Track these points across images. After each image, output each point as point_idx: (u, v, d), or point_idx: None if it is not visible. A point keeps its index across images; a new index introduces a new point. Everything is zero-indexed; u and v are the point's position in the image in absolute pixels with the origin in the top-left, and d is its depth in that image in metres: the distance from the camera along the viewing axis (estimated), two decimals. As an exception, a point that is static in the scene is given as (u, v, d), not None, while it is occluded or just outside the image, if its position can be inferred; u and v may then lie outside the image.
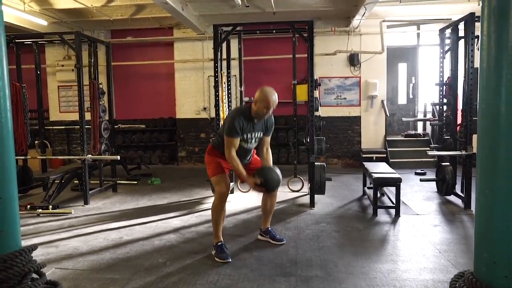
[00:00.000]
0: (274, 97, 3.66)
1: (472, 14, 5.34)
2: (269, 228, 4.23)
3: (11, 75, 1.86)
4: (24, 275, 1.78)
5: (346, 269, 3.48)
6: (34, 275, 1.85)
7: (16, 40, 6.74)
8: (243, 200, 6.05)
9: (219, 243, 3.79)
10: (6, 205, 1.76)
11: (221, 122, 5.79)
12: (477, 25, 5.23)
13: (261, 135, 3.92)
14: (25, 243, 1.85)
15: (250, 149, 3.93)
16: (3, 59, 1.77)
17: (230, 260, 3.66)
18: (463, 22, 5.60)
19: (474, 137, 5.37)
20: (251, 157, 4.05)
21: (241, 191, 6.50)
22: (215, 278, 3.31)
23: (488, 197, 1.80)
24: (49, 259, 3.78)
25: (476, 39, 5.50)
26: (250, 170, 3.91)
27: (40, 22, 8.31)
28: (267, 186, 3.75)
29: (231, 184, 4.82)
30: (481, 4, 1.82)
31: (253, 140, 3.86)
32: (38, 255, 3.73)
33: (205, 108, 10.00)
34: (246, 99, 8.40)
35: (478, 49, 5.44)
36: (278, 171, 3.82)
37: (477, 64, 5.41)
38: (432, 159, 8.82)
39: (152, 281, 3.28)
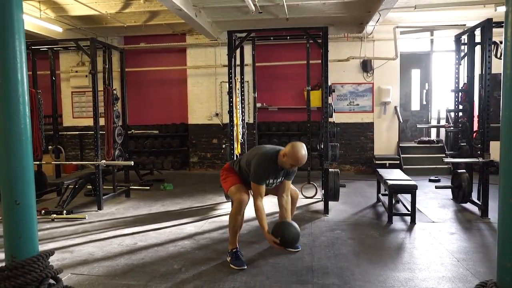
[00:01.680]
0: (304, 155, 3.61)
1: (489, 20, 5.28)
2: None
3: (28, 81, 1.87)
4: (42, 281, 1.77)
5: (363, 277, 3.44)
6: (51, 281, 1.85)
7: (33, 47, 6.85)
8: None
9: (235, 250, 3.77)
10: (24, 211, 1.76)
11: (235, 128, 5.78)
12: (495, 30, 5.19)
13: (282, 179, 3.91)
14: (40, 248, 1.85)
15: (269, 189, 3.97)
16: (23, 65, 1.78)
17: (246, 267, 3.64)
18: (479, 28, 5.53)
19: (491, 144, 5.33)
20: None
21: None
22: (231, 285, 3.29)
23: (511, 206, 1.75)
24: (65, 265, 3.80)
25: (493, 45, 5.44)
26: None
27: (55, 29, 8.43)
28: (285, 245, 3.60)
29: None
30: (503, 9, 1.78)
31: (274, 185, 3.91)
32: (53, 260, 3.73)
33: (217, 114, 10.02)
34: (259, 105, 8.41)
35: (495, 55, 5.39)
36: (295, 225, 3.68)
37: (494, 70, 5.37)
38: (445, 166, 8.73)
39: (167, 288, 3.27)
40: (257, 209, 3.67)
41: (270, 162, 3.72)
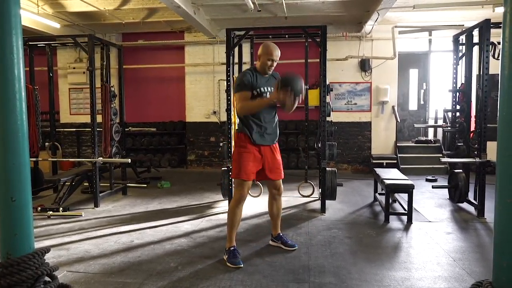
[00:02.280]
0: (277, 50, 3.73)
1: (487, 21, 5.29)
2: (281, 234, 4.21)
3: (25, 77, 1.86)
4: (37, 278, 1.77)
5: (360, 276, 3.44)
6: (47, 278, 1.84)
7: (30, 43, 6.82)
8: (254, 205, 6.02)
9: (232, 248, 3.77)
10: (20, 208, 1.75)
11: (233, 126, 5.78)
12: (493, 31, 5.20)
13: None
14: (36, 245, 1.84)
15: (270, 108, 3.85)
16: (20, 61, 1.77)
17: (242, 265, 3.64)
18: (477, 28, 5.54)
19: (488, 144, 5.35)
20: (275, 128, 3.97)
21: (252, 196, 6.47)
22: (227, 284, 3.28)
23: (508, 206, 1.75)
24: (61, 262, 3.78)
25: (491, 46, 5.45)
26: (273, 171, 3.90)
27: (53, 25, 8.39)
28: (294, 89, 3.55)
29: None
30: (501, 10, 1.78)
31: (268, 95, 3.81)
32: (49, 257, 3.74)
33: (215, 112, 10.01)
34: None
35: (493, 55, 5.40)
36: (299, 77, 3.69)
37: (491, 70, 5.39)
38: (442, 166, 8.75)
39: (164, 286, 3.26)
40: (243, 106, 3.66)
41: (249, 70, 3.81)
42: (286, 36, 7.22)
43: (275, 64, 3.79)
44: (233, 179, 3.89)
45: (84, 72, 10.05)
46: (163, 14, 8.68)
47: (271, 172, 3.91)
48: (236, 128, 4.10)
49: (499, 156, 1.79)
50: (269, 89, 3.83)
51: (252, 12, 7.56)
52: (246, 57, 7.39)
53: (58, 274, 3.09)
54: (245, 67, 7.27)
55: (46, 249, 1.86)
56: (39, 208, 5.66)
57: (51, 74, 7.22)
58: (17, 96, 1.73)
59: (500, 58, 1.79)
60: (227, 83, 5.77)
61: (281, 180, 4.02)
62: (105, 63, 6.64)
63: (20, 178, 1.75)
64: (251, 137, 3.76)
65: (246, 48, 7.30)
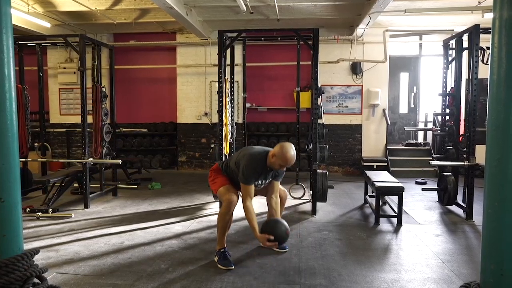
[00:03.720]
0: (293, 156, 3.65)
1: (477, 26, 5.36)
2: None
3: (15, 77, 1.85)
4: (26, 280, 1.75)
5: (350, 278, 3.46)
6: (36, 280, 1.83)
7: (20, 42, 6.76)
8: (244, 207, 6.02)
9: (223, 250, 3.77)
10: (9, 209, 1.74)
11: (224, 128, 5.78)
12: (482, 36, 5.27)
13: (271, 180, 3.93)
14: (25, 246, 1.83)
15: (258, 190, 3.97)
16: (10, 60, 1.76)
17: (233, 267, 3.64)
18: (467, 33, 5.61)
19: (477, 147, 5.41)
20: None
21: (242, 198, 6.47)
22: (218, 285, 3.28)
23: (497, 209, 1.79)
24: (50, 264, 3.75)
25: (480, 51, 5.52)
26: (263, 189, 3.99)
27: (43, 24, 8.31)
28: (278, 240, 3.64)
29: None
30: (490, 16, 1.81)
31: (262, 185, 3.92)
32: (38, 259, 3.70)
33: (206, 113, 9.99)
34: (248, 105, 8.41)
35: (482, 60, 5.47)
36: (284, 222, 3.75)
37: (480, 75, 5.45)
38: (432, 169, 8.82)
39: (154, 287, 3.25)
40: (247, 210, 3.68)
41: (259, 163, 3.72)
42: (278, 38, 7.24)
43: (284, 168, 3.79)
44: (217, 193, 3.90)
45: (74, 72, 9.98)
46: (155, 15, 8.65)
47: (261, 190, 4.01)
48: (220, 162, 4.18)
49: (487, 159, 1.82)
50: (266, 180, 3.89)
51: (244, 14, 7.57)
52: (238, 59, 7.40)
53: (48, 276, 3.07)
54: (237, 69, 7.31)
55: (35, 251, 1.84)
56: (28, 209, 5.60)
57: (41, 74, 7.16)
58: (7, 96, 1.72)
59: (489, 63, 1.82)
60: (219, 84, 5.77)
61: (275, 183, 3.98)
62: (96, 63, 6.60)
63: (9, 179, 1.74)
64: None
65: (238, 49, 7.32)
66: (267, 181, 3.90)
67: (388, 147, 9.59)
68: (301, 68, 6.77)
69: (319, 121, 5.85)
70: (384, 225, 5.16)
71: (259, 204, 5.88)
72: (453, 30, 8.68)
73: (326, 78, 9.55)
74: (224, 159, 4.42)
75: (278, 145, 3.69)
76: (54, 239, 4.54)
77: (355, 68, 9.57)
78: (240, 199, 3.84)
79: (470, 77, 5.42)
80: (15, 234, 1.78)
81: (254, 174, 3.71)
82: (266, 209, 4.17)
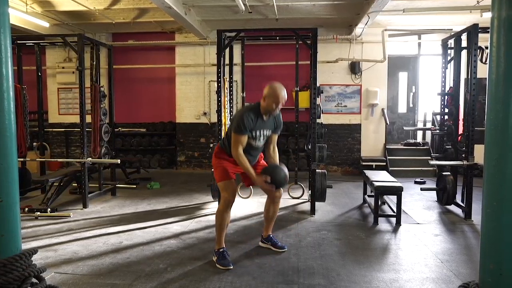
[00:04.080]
0: (284, 93, 3.64)
1: (475, 26, 5.36)
2: (271, 235, 4.21)
3: (13, 76, 1.85)
4: (24, 280, 1.75)
5: (349, 277, 3.46)
6: (34, 280, 1.82)
7: (18, 42, 6.75)
8: (244, 207, 6.02)
9: (221, 249, 3.77)
10: (7, 209, 1.74)
11: (223, 128, 5.78)
12: (481, 36, 5.27)
13: (270, 133, 3.88)
14: (23, 246, 1.83)
15: (258, 147, 3.85)
16: (8, 60, 1.76)
17: (232, 267, 3.64)
18: (466, 33, 5.61)
19: (476, 147, 5.41)
20: (257, 159, 3.98)
21: (242, 197, 6.47)
22: (217, 285, 3.28)
23: (495, 209, 1.78)
24: (48, 263, 3.74)
25: (479, 50, 5.52)
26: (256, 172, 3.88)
27: (42, 24, 8.30)
28: (275, 183, 3.65)
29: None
30: (489, 15, 1.81)
31: (262, 138, 3.81)
32: (36, 259, 3.69)
33: (205, 113, 9.98)
34: (247, 104, 8.38)
35: (481, 60, 5.46)
36: (284, 168, 3.74)
37: (479, 74, 5.45)
38: (431, 168, 8.82)
39: (153, 287, 3.24)
40: (238, 156, 3.58)
41: (251, 111, 3.67)
42: (277, 38, 7.24)
43: (280, 107, 3.69)
44: (218, 184, 3.87)
45: (73, 72, 9.96)
46: (154, 15, 8.64)
47: (262, 167, 3.93)
48: (220, 142, 4.06)
49: (486, 159, 1.82)
50: (264, 132, 3.80)
51: (243, 13, 7.56)
52: (237, 59, 7.40)
53: (46, 276, 3.06)
54: (236, 69, 7.30)
55: (34, 250, 1.84)
56: (27, 209, 5.59)
57: (39, 74, 7.14)
58: (5, 96, 1.72)
59: (487, 62, 1.82)
60: (217, 84, 5.76)
61: (274, 135, 3.97)
62: (95, 63, 6.60)
63: (7, 179, 1.73)
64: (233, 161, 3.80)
65: (237, 49, 7.31)
66: (266, 133, 3.81)
67: (387, 146, 9.60)
68: (300, 68, 6.76)
69: (318, 120, 5.85)
70: (383, 224, 5.16)
71: (258, 203, 5.91)
72: (452, 29, 8.67)
73: (325, 78, 9.55)
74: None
75: (267, 86, 3.66)
76: (52, 239, 4.53)
77: (354, 68, 9.57)
78: (237, 199, 3.83)
79: (469, 77, 5.42)
80: (13, 234, 1.77)
81: (247, 121, 3.58)
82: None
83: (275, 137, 3.98)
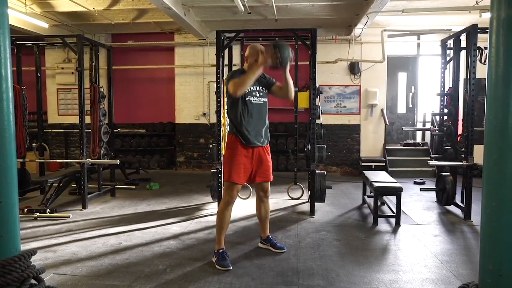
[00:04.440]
0: (258, 44, 3.82)
1: (474, 26, 5.36)
2: (270, 236, 4.21)
3: (12, 77, 1.84)
4: (23, 281, 1.74)
5: (348, 278, 3.46)
6: (33, 281, 1.82)
7: (17, 42, 6.74)
8: (243, 207, 6.01)
9: (221, 250, 3.76)
10: (6, 210, 1.73)
11: (222, 128, 5.77)
12: (480, 36, 5.27)
13: (265, 89, 3.92)
14: (22, 247, 1.82)
15: (259, 105, 3.85)
16: (7, 61, 1.75)
17: (231, 268, 3.63)
18: (465, 33, 5.61)
19: (475, 147, 5.41)
20: (266, 131, 3.94)
21: (241, 198, 6.47)
22: (216, 286, 3.27)
23: (495, 209, 1.78)
24: (47, 264, 3.74)
25: (478, 51, 5.52)
26: (262, 173, 3.89)
27: (41, 25, 8.30)
28: (280, 56, 3.55)
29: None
30: (488, 16, 1.81)
31: (257, 94, 3.82)
32: (35, 260, 3.69)
33: (204, 114, 9.98)
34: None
35: (480, 60, 5.46)
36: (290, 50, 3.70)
37: (479, 75, 5.45)
38: (430, 169, 8.82)
39: (152, 288, 3.25)
40: (238, 80, 3.59)
41: (239, 70, 3.88)
42: (276, 38, 7.21)
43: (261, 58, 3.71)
44: (222, 181, 3.88)
45: (72, 73, 9.97)
46: (153, 15, 8.64)
47: (259, 174, 3.89)
48: (228, 130, 4.07)
49: (485, 159, 1.81)
50: (258, 88, 3.85)
51: (242, 14, 7.56)
52: (236, 59, 7.39)
53: (45, 277, 3.05)
54: (235, 69, 7.29)
55: (33, 251, 1.83)
56: (26, 210, 5.59)
57: (38, 74, 7.13)
58: (4, 96, 1.71)
59: (486, 63, 1.82)
60: (217, 85, 5.76)
61: (268, 183, 4.01)
62: (94, 63, 6.60)
63: (6, 179, 1.73)
64: (242, 138, 3.76)
65: (236, 50, 7.31)
66: (261, 89, 3.88)
67: (386, 147, 9.60)
68: (299, 68, 6.76)
69: (317, 121, 5.85)
70: (383, 225, 5.16)
71: (249, 207, 5.89)
72: (451, 30, 8.69)
73: (324, 78, 9.55)
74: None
75: (246, 50, 3.86)
76: (51, 240, 4.53)
77: (353, 68, 9.57)
78: (236, 199, 3.83)
79: (468, 77, 5.42)
80: (12, 235, 1.77)
81: (237, 72, 3.81)
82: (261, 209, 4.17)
83: (277, 84, 3.96)
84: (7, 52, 1.74)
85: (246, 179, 3.87)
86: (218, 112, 5.78)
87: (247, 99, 3.76)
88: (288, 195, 6.66)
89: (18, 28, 8.27)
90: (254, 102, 3.81)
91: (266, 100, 3.95)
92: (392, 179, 5.82)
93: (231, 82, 3.63)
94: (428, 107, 9.86)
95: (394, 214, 5.21)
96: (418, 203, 6.46)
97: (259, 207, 4.12)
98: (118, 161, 6.38)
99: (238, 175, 3.74)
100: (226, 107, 4.07)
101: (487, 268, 1.80)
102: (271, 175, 3.99)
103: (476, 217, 5.34)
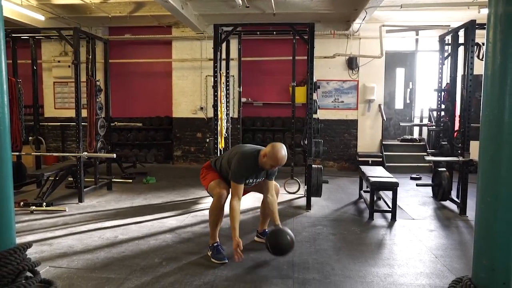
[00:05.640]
0: (284, 156, 3.59)
1: (472, 22, 5.36)
2: (266, 230, 4.21)
3: (7, 69, 1.83)
4: (18, 274, 1.74)
5: (343, 272, 3.47)
6: (28, 274, 1.82)
7: (13, 35, 6.69)
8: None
9: (216, 244, 3.78)
10: (1, 203, 1.73)
11: (220, 122, 5.77)
12: (478, 32, 5.27)
13: (263, 179, 3.88)
14: (18, 240, 1.82)
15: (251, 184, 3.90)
16: (2, 53, 1.74)
17: (227, 261, 3.65)
18: (463, 29, 5.61)
19: (472, 143, 5.43)
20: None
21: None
22: (211, 279, 3.29)
23: (489, 205, 1.79)
24: (43, 257, 3.74)
25: (476, 46, 5.52)
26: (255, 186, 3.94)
27: (37, 17, 8.24)
28: (274, 251, 3.60)
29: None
30: (487, 12, 1.81)
31: (253, 184, 3.86)
32: (31, 253, 3.69)
33: (202, 108, 9.96)
34: (244, 100, 8.38)
35: (478, 56, 5.47)
36: (289, 231, 3.66)
37: (476, 71, 5.46)
38: (427, 164, 8.84)
39: (148, 281, 3.25)
40: (232, 209, 3.61)
41: (250, 162, 3.68)
42: (274, 32, 7.22)
43: (276, 168, 3.76)
44: (207, 190, 3.90)
45: (69, 66, 9.89)
46: (150, 9, 8.59)
47: (253, 187, 3.97)
48: (212, 160, 4.12)
49: (481, 155, 1.82)
50: (257, 179, 3.82)
51: (240, 8, 7.54)
52: (234, 53, 7.38)
53: (41, 270, 3.05)
54: (232, 63, 7.28)
55: (28, 244, 1.83)
56: (22, 203, 5.57)
57: (35, 67, 7.09)
58: (-2, 89, 1.70)
59: (483, 59, 1.82)
60: (214, 79, 5.75)
61: (268, 181, 3.94)
62: (90, 57, 6.56)
63: (1, 173, 1.72)
64: None
65: (233, 44, 7.29)
66: (258, 180, 3.84)
67: (383, 142, 9.62)
68: (297, 63, 6.75)
69: (314, 116, 5.85)
70: (378, 220, 5.18)
71: (254, 199, 5.90)
72: (450, 25, 8.68)
73: (322, 73, 9.53)
74: (216, 157, 4.33)
75: (270, 145, 3.63)
76: (47, 233, 4.52)
77: (351, 63, 9.56)
78: (227, 192, 3.82)
79: (466, 73, 5.43)
80: (8, 228, 1.76)
81: (245, 173, 3.66)
82: (259, 204, 4.18)
83: (271, 183, 3.93)
84: (1, 44, 1.73)
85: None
86: (215, 107, 5.77)
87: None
88: (285, 189, 6.67)
89: (13, 20, 8.20)
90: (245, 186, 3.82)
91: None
92: (388, 174, 5.83)
93: (233, 188, 3.67)
94: (426, 103, 9.87)
95: (390, 209, 5.23)
96: (414, 198, 6.48)
97: (265, 203, 4.04)
98: (115, 154, 6.37)
99: (215, 176, 3.89)
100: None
101: (481, 262, 1.81)
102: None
103: (471, 212, 5.36)
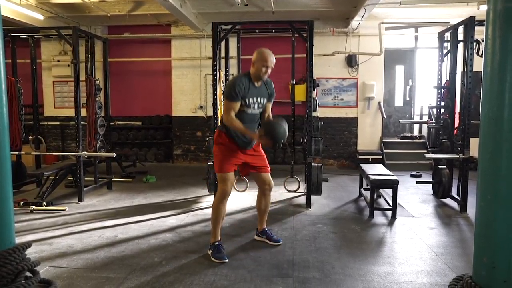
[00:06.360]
0: (271, 57, 3.70)
1: (472, 18, 5.35)
2: (266, 229, 4.21)
3: (6, 69, 1.83)
4: (18, 273, 1.74)
5: (344, 271, 3.47)
6: (28, 273, 1.82)
7: (12, 34, 6.68)
8: (240, 200, 6.02)
9: (216, 243, 3.77)
10: (0, 202, 1.73)
11: (219, 121, 5.75)
12: (477, 29, 5.26)
13: (265, 101, 3.87)
14: (18, 240, 1.82)
15: (254, 116, 3.81)
16: (0, 53, 1.74)
17: (227, 260, 3.64)
18: (462, 25, 5.60)
19: (472, 140, 5.42)
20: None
21: (238, 191, 6.47)
22: (211, 279, 3.28)
23: (489, 202, 1.79)
24: (43, 257, 3.73)
25: (475, 43, 5.51)
26: (258, 163, 3.91)
27: (36, 16, 8.22)
28: (274, 138, 3.57)
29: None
30: (486, 8, 1.80)
31: (256, 105, 3.78)
32: (31, 252, 3.69)
33: (201, 107, 9.95)
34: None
35: (477, 53, 5.46)
36: (283, 123, 3.68)
37: (476, 68, 5.44)
38: (427, 162, 8.84)
39: (148, 281, 3.25)
40: (231, 120, 3.57)
41: (242, 77, 3.70)
42: (273, 30, 7.21)
43: (269, 70, 3.74)
44: (216, 174, 3.86)
45: (68, 65, 9.87)
46: (149, 7, 8.58)
47: (254, 164, 3.91)
48: (218, 126, 4.05)
49: (481, 152, 1.81)
50: (258, 99, 3.78)
51: (239, 6, 7.52)
52: (233, 52, 7.36)
53: (40, 269, 3.05)
54: (232, 62, 7.27)
55: (27, 244, 1.83)
56: (22, 203, 5.56)
57: (34, 67, 7.08)
58: (-3, 89, 1.70)
59: (483, 55, 1.81)
60: (213, 77, 5.74)
61: (268, 174, 4.00)
62: (90, 56, 6.55)
63: (0, 172, 1.72)
64: (232, 142, 3.76)
65: (233, 42, 7.26)
66: (260, 100, 3.80)
67: (383, 140, 9.60)
68: (296, 61, 6.73)
69: (314, 114, 5.85)
70: (379, 218, 5.18)
71: (253, 197, 5.88)
72: (449, 22, 8.65)
73: (321, 71, 9.51)
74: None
75: (255, 52, 3.73)
76: (47, 233, 4.52)
77: (351, 61, 9.54)
78: (232, 192, 3.81)
79: (465, 70, 5.41)
80: (7, 228, 1.76)
81: (238, 87, 3.59)
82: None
83: (269, 106, 4.00)
84: (0, 43, 1.73)
85: (236, 168, 3.87)
86: (214, 105, 5.77)
87: (244, 110, 3.71)
88: (285, 187, 6.67)
89: (12, 19, 8.17)
90: (250, 112, 3.77)
91: (261, 109, 3.91)
92: (388, 172, 5.83)
93: (226, 107, 3.62)
94: (425, 100, 9.86)
95: (390, 207, 5.23)
96: (415, 196, 6.48)
97: (260, 199, 4.10)
98: (114, 154, 6.37)
99: (227, 166, 3.75)
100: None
101: (481, 260, 1.81)
102: (268, 165, 3.99)
103: (472, 210, 5.35)
